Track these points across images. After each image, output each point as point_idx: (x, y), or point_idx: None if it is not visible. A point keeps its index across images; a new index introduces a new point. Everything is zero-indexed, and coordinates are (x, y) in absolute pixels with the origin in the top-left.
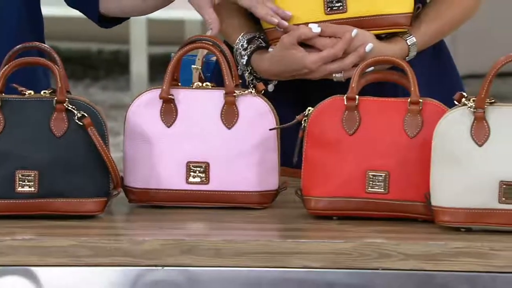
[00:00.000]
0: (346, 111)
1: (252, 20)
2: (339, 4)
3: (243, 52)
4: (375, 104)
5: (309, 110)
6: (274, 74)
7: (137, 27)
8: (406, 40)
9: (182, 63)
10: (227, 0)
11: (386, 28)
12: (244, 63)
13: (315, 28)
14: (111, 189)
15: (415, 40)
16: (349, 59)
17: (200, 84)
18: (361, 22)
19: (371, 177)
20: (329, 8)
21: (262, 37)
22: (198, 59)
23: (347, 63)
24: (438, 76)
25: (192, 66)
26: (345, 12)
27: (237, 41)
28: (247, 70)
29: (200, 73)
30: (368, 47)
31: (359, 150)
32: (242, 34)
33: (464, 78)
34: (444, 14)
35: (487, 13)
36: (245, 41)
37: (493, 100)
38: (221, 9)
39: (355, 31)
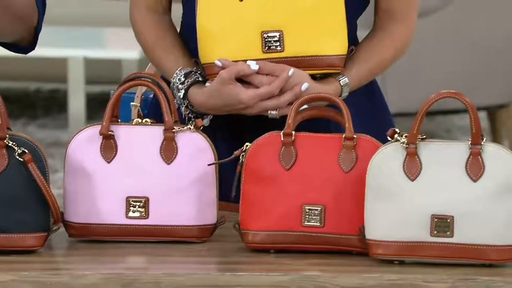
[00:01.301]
0: (283, 147)
1: (189, 55)
2: (277, 44)
3: (180, 86)
4: (311, 140)
5: (247, 145)
6: (210, 108)
7: (75, 66)
8: (339, 80)
9: (121, 100)
10: (163, 35)
11: (321, 69)
12: (181, 96)
13: (253, 65)
14: (51, 224)
15: (347, 80)
16: (285, 97)
17: (140, 120)
18: (298, 62)
19: (307, 211)
20: (267, 47)
21: (199, 71)
22: (137, 96)
23: (282, 101)
24: (372, 115)
25: (131, 103)
26: (283, 51)
27: (174, 75)
28: (184, 104)
29: (139, 110)
30: (304, 86)
31: (295, 185)
32: (179, 68)
33: (394, 116)
34: (374, 56)
35: (416, 54)
36: (182, 75)
37: (424, 136)
38: (157, 46)
39: (291, 70)
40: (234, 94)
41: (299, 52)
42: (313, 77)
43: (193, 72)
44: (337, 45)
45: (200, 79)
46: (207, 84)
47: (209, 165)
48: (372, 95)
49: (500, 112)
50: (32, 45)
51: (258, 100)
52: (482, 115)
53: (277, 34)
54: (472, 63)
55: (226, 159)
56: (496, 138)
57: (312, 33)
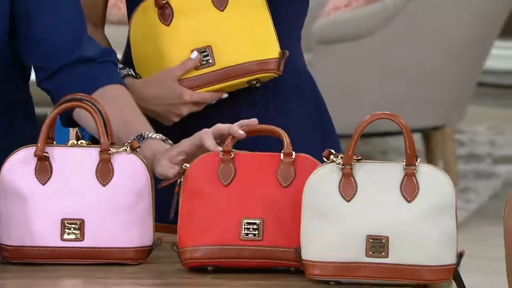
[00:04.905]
0: (222, 164)
1: None
2: (207, 58)
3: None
4: (250, 157)
5: (186, 166)
6: (146, 96)
7: None
8: None
9: (59, 122)
10: None
11: (255, 74)
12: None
13: (193, 55)
14: None
15: None
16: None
17: (75, 142)
18: (230, 72)
19: (246, 224)
20: (200, 64)
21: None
22: None
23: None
24: (322, 140)
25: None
26: (214, 65)
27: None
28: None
29: (77, 132)
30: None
31: (234, 200)
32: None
33: None
34: None
35: (351, 77)
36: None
37: (360, 157)
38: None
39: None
40: (178, 88)
41: (231, 62)
42: (252, 85)
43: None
44: (267, 50)
45: (133, 74)
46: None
47: (159, 188)
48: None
49: (434, 134)
50: None
51: (199, 100)
52: (417, 137)
53: (205, 49)
54: (406, 86)
55: (170, 181)
56: (431, 159)
57: (241, 42)
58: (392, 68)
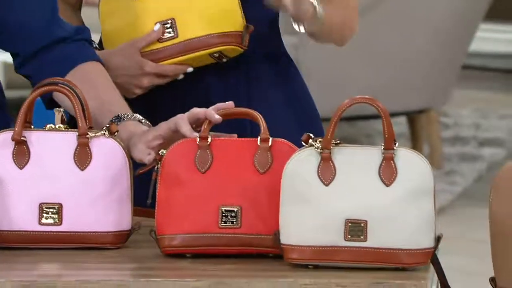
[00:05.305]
0: (199, 150)
1: None
2: (169, 31)
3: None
4: (226, 143)
5: (162, 152)
6: (109, 66)
7: None
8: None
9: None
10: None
11: (216, 46)
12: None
13: (156, 27)
14: None
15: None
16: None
17: (53, 126)
18: (191, 44)
19: (224, 212)
20: (161, 36)
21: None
22: None
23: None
24: (305, 126)
25: (55, 108)
26: (177, 37)
27: None
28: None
29: (62, 115)
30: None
31: (211, 187)
32: None
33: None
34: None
35: (338, 60)
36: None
37: (338, 141)
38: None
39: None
40: (139, 59)
41: (192, 34)
42: (219, 61)
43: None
44: (230, 23)
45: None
46: None
47: (136, 175)
48: (304, 104)
49: (420, 117)
50: None
51: (159, 71)
52: (403, 120)
53: (169, 21)
54: (391, 70)
55: (147, 168)
56: (416, 142)
57: (204, 15)
58: (378, 51)
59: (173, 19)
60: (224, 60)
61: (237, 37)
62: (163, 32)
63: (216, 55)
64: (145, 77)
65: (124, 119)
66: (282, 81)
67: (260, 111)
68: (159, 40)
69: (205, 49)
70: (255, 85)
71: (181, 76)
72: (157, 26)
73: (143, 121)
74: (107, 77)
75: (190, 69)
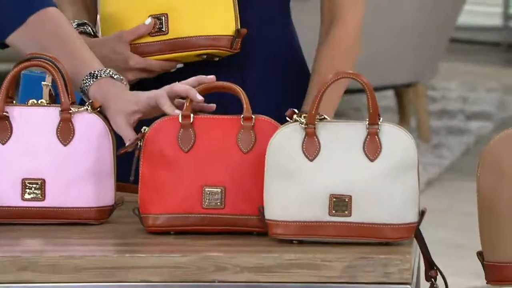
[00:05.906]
0: (181, 129)
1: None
2: (160, 26)
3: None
4: (209, 122)
5: (145, 129)
6: (96, 56)
7: None
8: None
9: (33, 80)
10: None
11: (205, 49)
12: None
13: (148, 21)
14: None
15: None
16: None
17: (35, 101)
18: (179, 43)
19: (208, 192)
20: (152, 30)
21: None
22: (48, 75)
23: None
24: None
25: (42, 82)
26: (166, 34)
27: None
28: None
29: (50, 90)
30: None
31: (195, 167)
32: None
33: None
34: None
35: None
36: (76, 25)
37: (323, 117)
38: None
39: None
40: (126, 53)
41: (182, 33)
42: (209, 59)
43: (87, 24)
44: (222, 26)
45: (90, 32)
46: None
47: (118, 155)
48: (302, 77)
49: (407, 90)
50: None
51: (145, 67)
52: (390, 94)
53: (162, 16)
54: (378, 43)
55: (130, 145)
56: (403, 115)
57: (197, 14)
58: (364, 25)
59: (166, 14)
60: (216, 59)
61: (226, 41)
62: (155, 27)
63: (204, 56)
64: (130, 72)
65: (97, 77)
66: (283, 76)
67: (255, 91)
68: (150, 33)
69: (192, 50)
70: (250, 81)
71: (174, 69)
72: (149, 20)
73: (115, 76)
74: (70, 26)
75: (180, 65)
